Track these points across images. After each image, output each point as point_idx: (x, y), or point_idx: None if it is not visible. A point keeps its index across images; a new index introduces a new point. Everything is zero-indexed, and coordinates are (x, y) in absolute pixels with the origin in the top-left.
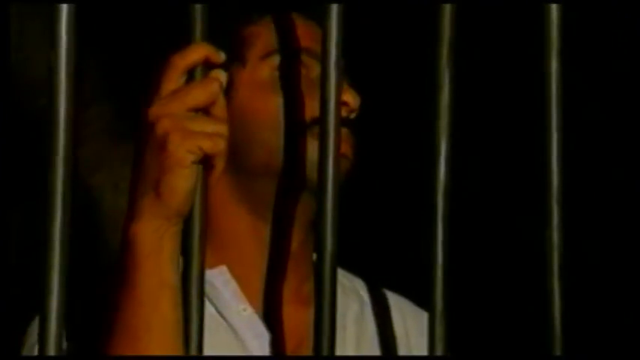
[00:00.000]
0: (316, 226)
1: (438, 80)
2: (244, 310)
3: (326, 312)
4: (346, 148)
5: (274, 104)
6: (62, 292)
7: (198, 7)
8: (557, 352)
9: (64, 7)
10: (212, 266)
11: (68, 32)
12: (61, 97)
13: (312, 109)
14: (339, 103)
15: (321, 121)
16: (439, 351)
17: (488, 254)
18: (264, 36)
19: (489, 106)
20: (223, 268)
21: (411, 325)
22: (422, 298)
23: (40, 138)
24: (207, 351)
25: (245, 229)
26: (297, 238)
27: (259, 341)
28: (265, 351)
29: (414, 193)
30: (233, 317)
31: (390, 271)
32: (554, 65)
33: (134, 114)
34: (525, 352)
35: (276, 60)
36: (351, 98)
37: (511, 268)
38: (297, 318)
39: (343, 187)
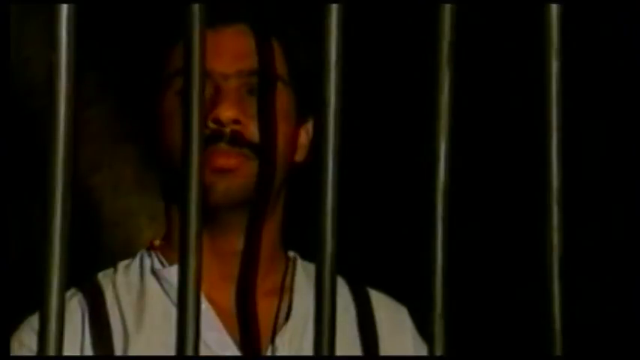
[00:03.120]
0: (316, 227)
1: (438, 80)
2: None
3: (326, 312)
4: (226, 162)
5: (172, 133)
6: (62, 292)
7: (196, 7)
8: (557, 353)
9: (64, 8)
10: (172, 263)
11: (68, 33)
12: (61, 98)
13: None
14: (340, 105)
15: (321, 122)
16: (439, 351)
17: (488, 254)
18: (168, 59)
19: (489, 106)
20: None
21: (384, 317)
22: (421, 299)
23: (40, 138)
24: (167, 343)
25: None
26: (241, 243)
27: (214, 334)
28: (221, 343)
29: (414, 194)
30: None
31: (390, 272)
32: (554, 65)
33: (134, 115)
34: (525, 353)
35: (175, 84)
36: (222, 113)
37: (511, 269)
38: (261, 310)
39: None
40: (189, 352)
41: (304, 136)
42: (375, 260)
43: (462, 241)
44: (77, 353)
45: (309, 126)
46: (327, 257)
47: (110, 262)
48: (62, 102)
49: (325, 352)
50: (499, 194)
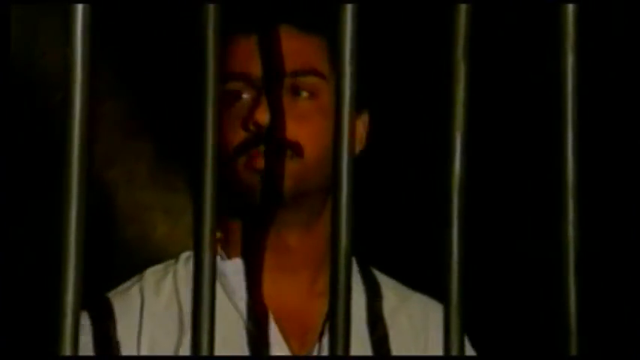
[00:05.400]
0: (332, 223)
1: (454, 75)
2: (250, 298)
3: (340, 312)
4: (272, 165)
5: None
6: (78, 285)
7: (211, 7)
8: (573, 353)
9: (79, 7)
10: (230, 258)
11: (83, 29)
12: (76, 93)
13: (240, 136)
14: (354, 101)
15: (336, 119)
16: (455, 344)
17: (502, 253)
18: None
19: (505, 100)
20: (238, 260)
21: (433, 319)
22: (438, 294)
23: (56, 133)
24: (217, 335)
25: (251, 233)
26: (294, 239)
27: (263, 326)
28: (270, 337)
29: (430, 188)
30: (241, 305)
31: (407, 267)
32: (569, 60)
33: (148, 110)
34: (540, 352)
35: (226, 86)
36: (260, 116)
37: (526, 267)
38: (308, 309)
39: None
40: (204, 352)
41: (360, 127)
42: (392, 255)
43: (477, 236)
44: (134, 342)
45: (365, 117)
46: (341, 256)
47: (125, 256)
48: (78, 98)
49: (340, 352)
50: (515, 189)
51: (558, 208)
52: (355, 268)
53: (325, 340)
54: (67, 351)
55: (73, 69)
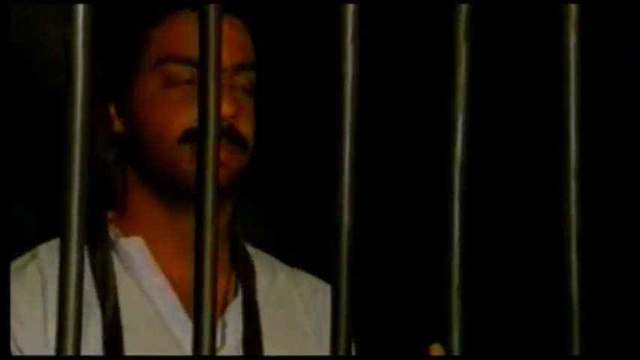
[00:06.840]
0: (333, 221)
1: (455, 56)
2: (155, 276)
3: (342, 312)
4: (223, 156)
5: (160, 118)
6: (80, 281)
7: (211, 6)
8: (576, 352)
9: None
10: (127, 235)
11: (85, 9)
12: (78, 74)
13: (189, 120)
14: (356, 105)
15: (337, 120)
16: (455, 327)
17: (504, 246)
18: (157, 41)
19: (507, 81)
20: (138, 239)
21: (320, 295)
22: (438, 275)
23: (57, 114)
24: (123, 312)
25: (156, 211)
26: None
27: (169, 305)
28: (175, 312)
29: (431, 170)
30: (145, 283)
31: (406, 252)
32: (572, 39)
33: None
34: (542, 353)
35: (167, 69)
36: (224, 108)
37: (527, 263)
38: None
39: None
40: (205, 352)
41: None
42: (391, 240)
43: (478, 218)
44: (40, 324)
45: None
46: (342, 254)
47: None
48: (79, 78)
49: (342, 352)
50: (516, 171)
51: (560, 189)
52: (279, 264)
53: (227, 316)
54: (68, 351)
55: (74, 47)
